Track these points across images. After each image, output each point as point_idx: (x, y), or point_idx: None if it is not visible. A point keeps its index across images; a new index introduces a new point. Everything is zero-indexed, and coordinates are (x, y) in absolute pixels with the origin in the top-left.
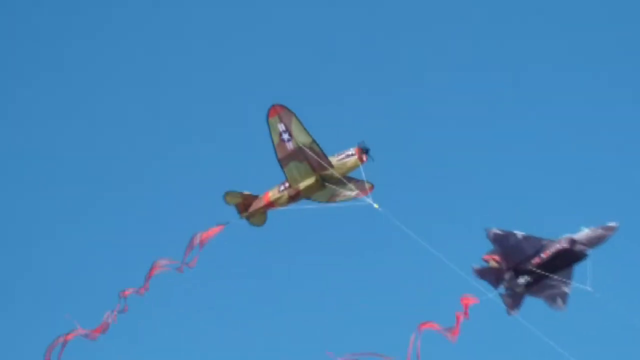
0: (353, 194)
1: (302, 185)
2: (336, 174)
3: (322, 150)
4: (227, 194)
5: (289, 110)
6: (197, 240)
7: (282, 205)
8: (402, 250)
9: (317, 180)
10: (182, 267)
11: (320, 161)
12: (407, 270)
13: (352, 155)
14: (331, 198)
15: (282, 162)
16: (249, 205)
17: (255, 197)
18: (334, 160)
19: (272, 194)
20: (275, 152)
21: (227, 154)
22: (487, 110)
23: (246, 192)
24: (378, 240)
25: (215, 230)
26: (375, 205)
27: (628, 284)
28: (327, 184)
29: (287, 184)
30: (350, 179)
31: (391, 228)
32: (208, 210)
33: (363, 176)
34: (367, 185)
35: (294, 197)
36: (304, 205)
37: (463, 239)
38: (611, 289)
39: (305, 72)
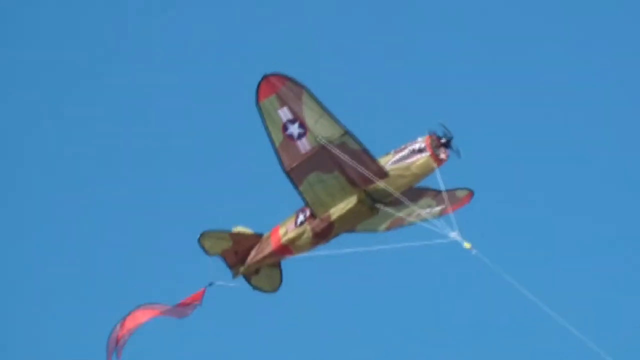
0: (436, 211)
1: (336, 212)
2: (391, 190)
3: (364, 147)
4: (203, 236)
5: (295, 82)
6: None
7: (303, 249)
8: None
9: (360, 201)
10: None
11: (363, 168)
12: None
13: (422, 150)
14: (394, 224)
15: (295, 176)
16: (246, 253)
17: (256, 238)
18: (388, 162)
19: (285, 231)
20: (280, 159)
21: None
22: None
23: (238, 230)
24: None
25: (191, 300)
26: (467, 245)
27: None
28: (380, 205)
29: (308, 212)
30: (422, 191)
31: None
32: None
33: (441, 185)
34: (461, 194)
35: (322, 234)
36: (341, 246)
37: None
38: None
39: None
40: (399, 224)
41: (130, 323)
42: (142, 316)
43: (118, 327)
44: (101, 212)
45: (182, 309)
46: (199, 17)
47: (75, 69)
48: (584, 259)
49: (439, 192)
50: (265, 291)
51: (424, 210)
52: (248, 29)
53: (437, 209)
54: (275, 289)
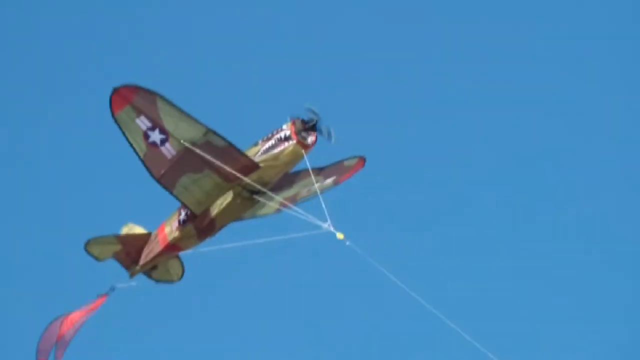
0: (328, 183)
1: (214, 208)
2: (259, 187)
3: (229, 143)
4: (90, 244)
5: (146, 90)
6: (65, 330)
7: (191, 245)
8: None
9: (237, 195)
10: None
11: (231, 164)
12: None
13: (288, 138)
14: (285, 204)
15: (166, 182)
16: (138, 252)
17: (145, 237)
18: (257, 153)
19: (170, 230)
20: (148, 169)
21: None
22: None
23: (127, 230)
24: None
25: (92, 307)
26: (340, 236)
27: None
28: (257, 196)
29: (188, 212)
30: (307, 171)
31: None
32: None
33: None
34: (351, 163)
35: (206, 230)
36: (233, 237)
37: None
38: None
39: None
40: (291, 201)
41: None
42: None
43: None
44: None
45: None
46: None
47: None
48: (464, 248)
49: (322, 168)
50: (169, 282)
51: (311, 187)
52: None
53: (329, 180)
54: (179, 277)
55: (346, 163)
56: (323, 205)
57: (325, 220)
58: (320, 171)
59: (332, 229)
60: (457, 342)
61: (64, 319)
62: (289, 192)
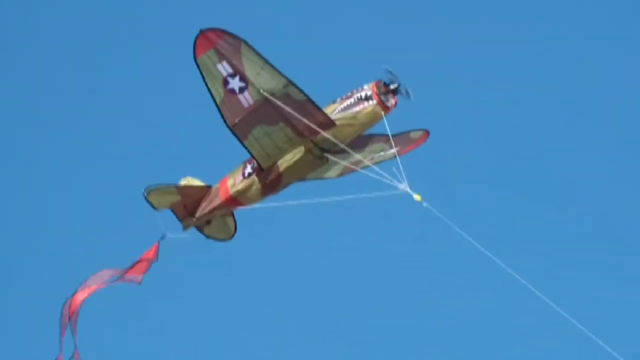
0: (390, 153)
1: (283, 163)
2: (337, 141)
3: (308, 98)
4: (149, 192)
5: (232, 35)
6: (117, 277)
7: (253, 200)
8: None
9: (308, 152)
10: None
11: (308, 119)
12: None
13: (369, 98)
14: (347, 169)
15: (239, 131)
16: (195, 205)
17: (205, 190)
18: (334, 111)
19: (233, 183)
20: (222, 115)
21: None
22: None
23: (186, 182)
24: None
25: (145, 257)
26: (417, 197)
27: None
28: (328, 154)
29: (255, 164)
30: (374, 137)
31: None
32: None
33: (388, 131)
34: (415, 135)
35: (271, 185)
36: (287, 198)
37: None
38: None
39: None
40: (352, 169)
41: (81, 295)
42: (95, 284)
43: (69, 301)
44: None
45: (137, 269)
46: None
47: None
48: (543, 214)
49: (391, 136)
50: (219, 239)
51: (376, 154)
52: None
53: (392, 151)
54: (230, 236)
55: (412, 135)
56: (400, 166)
57: (401, 181)
58: (388, 138)
59: (408, 189)
60: (540, 309)
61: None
62: (360, 155)
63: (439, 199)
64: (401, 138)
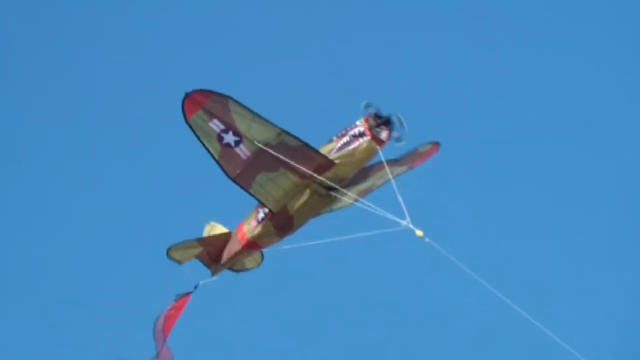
0: (401, 169)
1: (292, 206)
2: (335, 186)
3: (303, 142)
4: (171, 251)
5: (218, 94)
6: (160, 329)
7: (271, 242)
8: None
9: (313, 193)
10: None
11: (307, 163)
12: None
13: (362, 134)
14: (362, 194)
15: (242, 181)
16: (219, 252)
17: (226, 236)
18: (332, 151)
19: (249, 228)
20: (223, 169)
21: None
22: None
23: (209, 229)
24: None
25: (179, 304)
26: (419, 233)
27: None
28: (334, 192)
29: (266, 209)
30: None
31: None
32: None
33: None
34: (424, 149)
35: (286, 228)
36: (313, 235)
37: None
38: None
39: None
40: (368, 191)
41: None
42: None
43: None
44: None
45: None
46: None
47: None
48: (548, 245)
49: (397, 159)
50: (249, 269)
51: (378, 182)
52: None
53: (403, 167)
54: (258, 263)
55: (420, 149)
56: (401, 201)
57: (403, 217)
58: (395, 162)
59: (411, 225)
60: (544, 342)
61: (164, 319)
62: (364, 185)
63: (442, 232)
64: (409, 156)
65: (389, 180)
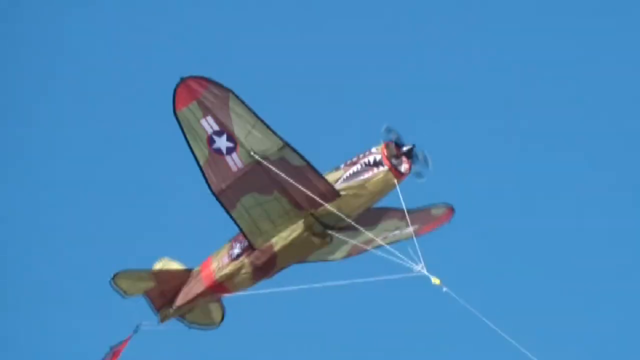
0: (406, 232)
1: (279, 241)
2: (343, 216)
3: (308, 162)
4: (117, 277)
5: (219, 85)
6: None
7: (242, 286)
8: None
9: (308, 228)
10: None
11: (307, 188)
12: None
13: (379, 164)
14: (354, 250)
15: (225, 199)
16: (174, 292)
17: (184, 274)
18: (339, 180)
19: (218, 266)
20: (206, 180)
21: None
22: None
23: (160, 267)
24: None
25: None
26: (435, 281)
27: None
28: (333, 232)
29: (244, 242)
30: (386, 211)
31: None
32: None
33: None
34: (438, 212)
35: (264, 269)
36: (290, 279)
37: None
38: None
39: None
40: (361, 249)
41: None
42: None
43: None
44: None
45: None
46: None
47: None
48: (574, 297)
49: (409, 211)
50: (204, 326)
51: (390, 233)
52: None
53: (409, 230)
54: (216, 323)
55: (433, 211)
56: (416, 244)
57: (417, 262)
58: (404, 214)
59: (425, 272)
60: None
61: None
62: (370, 233)
63: (461, 281)
64: (420, 215)
65: (402, 239)
